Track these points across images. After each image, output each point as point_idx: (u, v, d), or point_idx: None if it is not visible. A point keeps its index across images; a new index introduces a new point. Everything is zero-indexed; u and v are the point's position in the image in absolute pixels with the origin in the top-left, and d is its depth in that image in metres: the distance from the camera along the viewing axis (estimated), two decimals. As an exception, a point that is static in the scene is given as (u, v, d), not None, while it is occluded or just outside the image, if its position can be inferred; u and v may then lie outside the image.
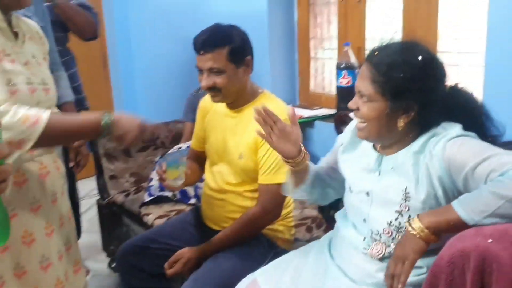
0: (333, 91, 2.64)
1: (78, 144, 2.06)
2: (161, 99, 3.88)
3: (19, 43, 1.44)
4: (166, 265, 1.74)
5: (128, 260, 1.90)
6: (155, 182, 2.52)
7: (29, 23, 1.56)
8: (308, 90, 2.86)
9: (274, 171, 1.71)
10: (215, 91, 1.73)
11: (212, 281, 1.65)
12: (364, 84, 1.28)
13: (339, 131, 2.30)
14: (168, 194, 2.48)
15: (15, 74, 1.35)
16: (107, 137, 1.39)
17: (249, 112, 1.77)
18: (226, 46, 1.68)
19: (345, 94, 2.44)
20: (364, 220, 1.38)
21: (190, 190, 2.47)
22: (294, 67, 2.88)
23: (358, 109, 1.32)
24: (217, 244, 1.76)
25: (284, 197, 1.76)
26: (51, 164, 1.52)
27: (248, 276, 1.56)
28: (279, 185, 1.70)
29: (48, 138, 1.28)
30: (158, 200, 2.49)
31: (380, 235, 1.33)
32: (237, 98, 1.77)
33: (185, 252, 1.74)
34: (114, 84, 4.25)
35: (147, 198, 2.50)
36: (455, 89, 1.34)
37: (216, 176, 1.87)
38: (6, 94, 1.29)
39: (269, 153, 1.70)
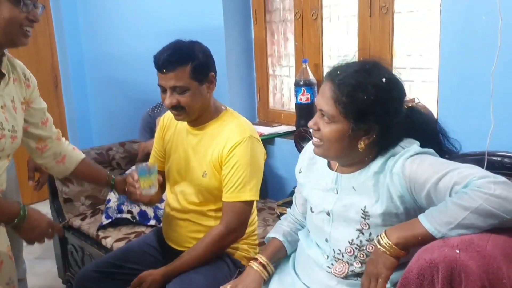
0: (292, 108, 2.66)
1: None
2: (115, 119, 3.81)
3: (2, 85, 1.39)
4: None
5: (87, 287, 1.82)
6: (112, 204, 2.45)
7: (18, 64, 1.51)
8: (267, 107, 2.88)
9: (239, 188, 1.69)
10: (179, 110, 1.69)
11: None
12: (326, 104, 1.26)
13: (299, 147, 2.32)
14: (127, 215, 2.41)
15: None
16: (14, 226, 1.41)
17: (212, 130, 1.75)
18: (189, 64, 1.65)
19: (304, 110, 2.47)
20: (326, 240, 1.38)
21: (150, 211, 2.41)
22: (252, 85, 2.89)
23: (318, 129, 1.30)
24: (181, 265, 1.71)
25: (249, 215, 1.74)
26: None
27: None
28: (244, 202, 1.68)
29: None
30: (117, 223, 2.42)
31: (342, 254, 1.33)
32: (200, 115, 1.74)
33: (148, 275, 1.68)
34: (66, 104, 4.15)
35: (105, 221, 2.41)
36: (412, 109, 1.35)
37: (179, 195, 1.83)
38: None
39: (234, 170, 1.68)
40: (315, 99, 2.46)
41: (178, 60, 1.64)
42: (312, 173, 1.46)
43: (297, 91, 2.46)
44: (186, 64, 1.64)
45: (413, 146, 1.27)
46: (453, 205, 1.09)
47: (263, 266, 1.51)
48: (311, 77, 2.44)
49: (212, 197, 1.77)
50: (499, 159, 1.67)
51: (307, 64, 2.44)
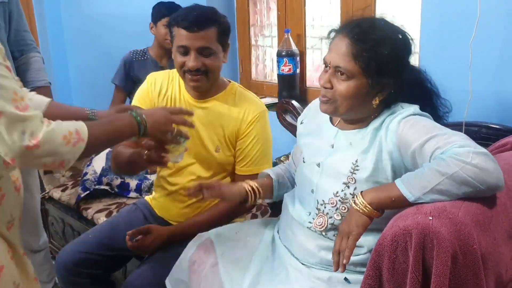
0: (275, 79, 2.64)
1: None
2: (97, 84, 3.70)
3: None
4: (128, 235, 1.63)
5: (73, 273, 1.72)
6: (90, 177, 2.42)
7: None
8: (249, 78, 2.85)
9: (257, 161, 1.69)
10: (200, 74, 1.60)
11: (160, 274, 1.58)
12: (344, 60, 1.25)
13: (281, 119, 2.30)
14: (105, 187, 2.39)
15: None
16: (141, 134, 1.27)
17: (221, 103, 1.70)
18: (217, 25, 1.59)
19: (286, 81, 2.46)
20: (312, 190, 1.39)
21: (132, 183, 2.39)
22: (234, 55, 2.85)
23: (332, 87, 1.29)
24: (190, 228, 1.68)
25: None
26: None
27: (200, 235, 1.56)
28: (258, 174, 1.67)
29: (88, 152, 1.18)
30: (95, 194, 2.39)
31: (324, 205, 1.35)
32: (212, 85, 1.67)
33: (156, 229, 1.66)
34: (46, 69, 4.04)
35: (82, 193, 2.39)
36: (413, 67, 1.38)
37: (185, 171, 1.75)
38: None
39: (253, 144, 1.67)
40: (297, 70, 2.46)
41: (209, 19, 1.58)
42: (313, 125, 1.47)
43: (279, 62, 2.44)
44: (214, 25, 1.59)
45: (412, 107, 1.28)
46: (429, 170, 1.10)
47: (252, 188, 1.52)
48: (294, 47, 2.42)
49: (222, 170, 1.74)
50: (476, 129, 1.68)
51: (289, 34, 2.42)
